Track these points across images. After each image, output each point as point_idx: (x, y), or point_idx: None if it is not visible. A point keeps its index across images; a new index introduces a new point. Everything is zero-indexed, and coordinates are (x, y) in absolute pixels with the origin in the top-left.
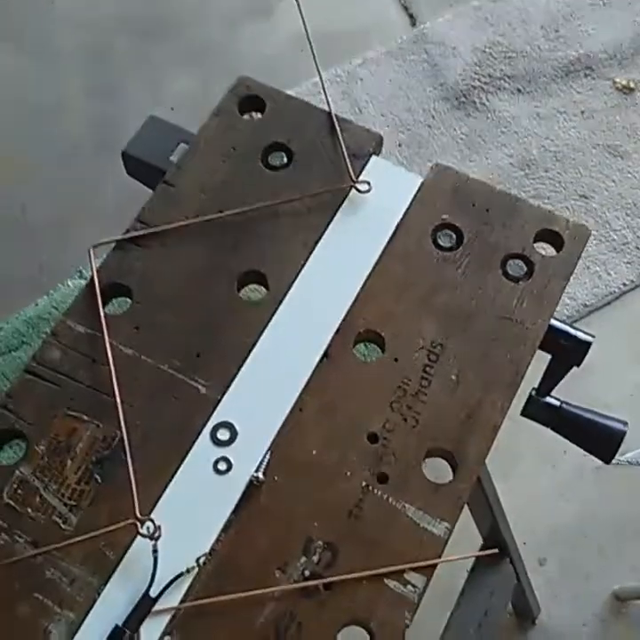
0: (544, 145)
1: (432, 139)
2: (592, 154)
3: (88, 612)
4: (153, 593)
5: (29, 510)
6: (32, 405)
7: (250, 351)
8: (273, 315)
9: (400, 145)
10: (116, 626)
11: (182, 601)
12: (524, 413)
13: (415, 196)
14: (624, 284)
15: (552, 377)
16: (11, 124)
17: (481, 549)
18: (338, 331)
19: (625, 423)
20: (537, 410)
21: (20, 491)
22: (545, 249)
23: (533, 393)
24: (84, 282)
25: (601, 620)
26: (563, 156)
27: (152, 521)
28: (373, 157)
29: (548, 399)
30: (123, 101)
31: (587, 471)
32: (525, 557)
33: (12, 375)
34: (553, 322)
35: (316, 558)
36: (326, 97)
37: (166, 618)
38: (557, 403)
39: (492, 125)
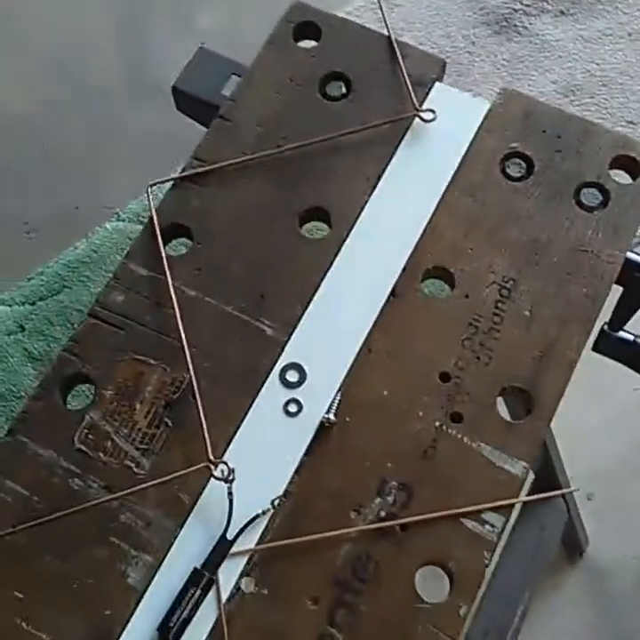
0: (589, 69)
1: (472, 66)
2: None
3: (165, 555)
4: (229, 535)
5: (101, 455)
6: (98, 350)
7: (315, 291)
8: (337, 253)
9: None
10: (195, 568)
11: (259, 543)
12: (596, 349)
13: (482, 123)
14: None
15: (625, 310)
16: (37, 62)
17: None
18: (405, 268)
19: None
20: (609, 345)
21: (90, 436)
22: (621, 176)
23: (605, 327)
24: (122, 224)
25: None
26: (609, 81)
27: (226, 463)
28: (437, 84)
29: (621, 333)
30: (150, 37)
31: (633, 405)
32: (574, 492)
33: (55, 319)
34: (628, 254)
35: (391, 499)
36: (385, 20)
37: (244, 560)
38: (631, 337)
39: (534, 50)
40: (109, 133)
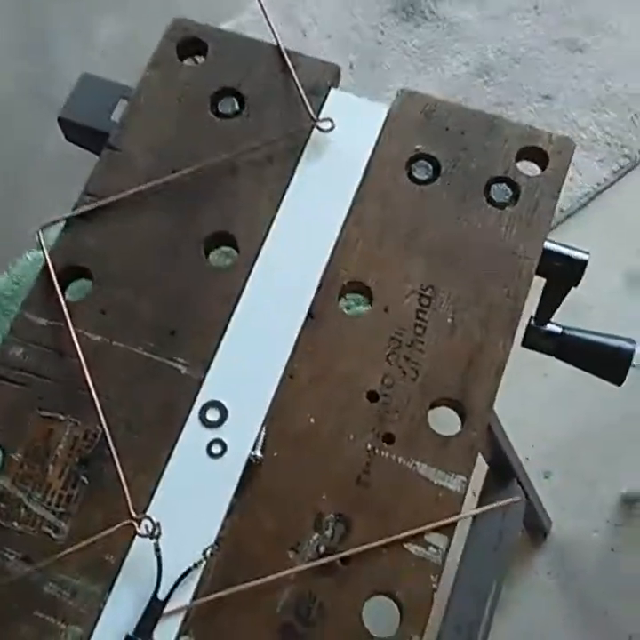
0: (500, 48)
1: (383, 56)
2: (551, 52)
3: (95, 624)
4: (161, 594)
5: (16, 524)
6: (1, 410)
7: (228, 321)
8: (247, 278)
9: (351, 66)
10: (127, 636)
11: (194, 598)
12: (525, 344)
13: (383, 127)
14: (598, 184)
15: (550, 302)
16: None
17: (488, 474)
18: (320, 286)
19: (632, 341)
20: (538, 339)
21: (2, 504)
22: (530, 168)
23: (532, 322)
24: (42, 254)
25: (613, 525)
26: (520, 58)
27: (150, 519)
28: (332, 91)
29: (549, 326)
30: (50, 53)
31: (581, 376)
32: (530, 473)
33: None
34: (545, 243)
35: (329, 533)
36: (272, 30)
37: (180, 618)
38: (559, 329)
39: (443, 34)
40: (20, 159)
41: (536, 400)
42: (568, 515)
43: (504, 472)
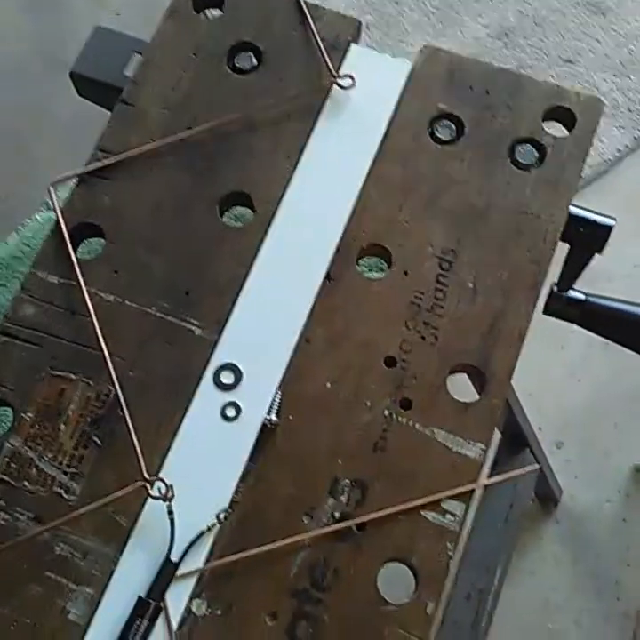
0: (521, 10)
1: (401, 16)
2: (573, 14)
3: (106, 585)
4: (174, 557)
5: (27, 484)
6: (12, 369)
7: (243, 282)
8: (263, 239)
9: (368, 27)
10: (139, 597)
11: (207, 561)
12: (547, 311)
13: (405, 85)
14: (618, 150)
15: (573, 268)
16: None
17: (501, 443)
18: (338, 249)
19: None
20: (561, 306)
21: (13, 464)
22: (556, 128)
23: (555, 288)
24: (53, 214)
25: (625, 495)
26: (542, 20)
27: (162, 480)
28: (353, 46)
29: (571, 293)
30: (63, 11)
31: (596, 348)
32: (542, 442)
33: None
34: (570, 208)
35: (344, 498)
36: None
37: (192, 581)
38: (582, 296)
39: None
40: (32, 118)
41: (551, 371)
42: (580, 485)
43: (517, 441)
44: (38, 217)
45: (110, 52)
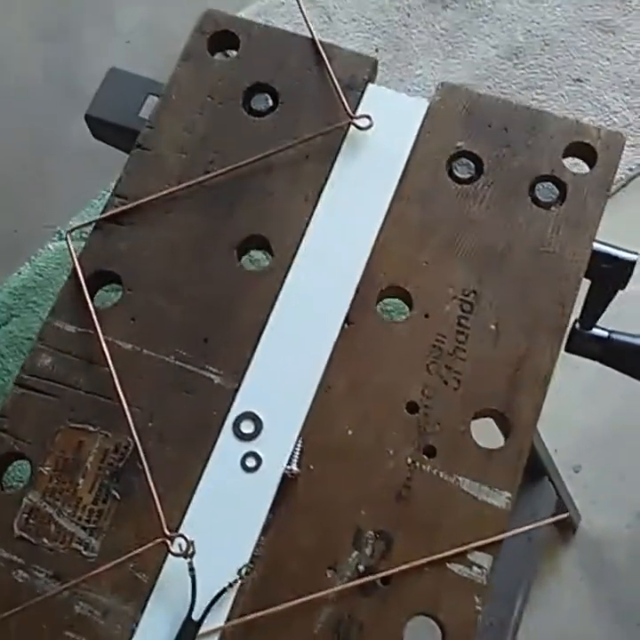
0: (530, 29)
1: (410, 39)
2: (582, 33)
3: None
4: (195, 615)
5: (45, 540)
6: (29, 422)
7: (262, 329)
8: (282, 283)
9: (377, 50)
10: None
11: (229, 618)
12: (569, 349)
13: (422, 123)
14: (630, 169)
15: (596, 305)
16: None
17: None
18: (357, 291)
19: None
20: (583, 344)
21: (31, 520)
22: (577, 165)
23: (577, 325)
24: (64, 244)
25: None
26: (551, 40)
27: (183, 537)
28: (370, 85)
29: (595, 330)
30: (74, 39)
31: (612, 370)
32: (559, 466)
33: (6, 351)
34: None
35: (368, 551)
36: (306, 21)
37: (214, 639)
38: (605, 333)
39: (472, 16)
40: (42, 148)
41: (566, 393)
42: (598, 509)
43: (535, 468)
44: (51, 246)
45: (125, 95)
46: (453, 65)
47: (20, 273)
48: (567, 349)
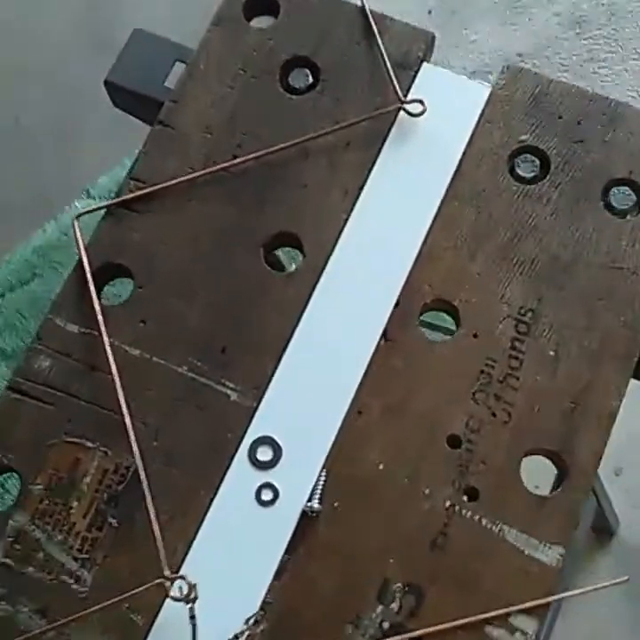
0: None
1: (466, 2)
2: None
3: None
4: None
5: (32, 569)
6: (21, 432)
7: (288, 339)
8: (313, 289)
9: (430, 12)
10: None
11: None
12: (638, 376)
13: (483, 112)
14: None
15: None
16: None
17: None
18: (397, 303)
19: None
20: None
21: (17, 545)
22: None
23: None
24: (93, 202)
25: None
26: (617, 10)
27: (184, 578)
28: (424, 65)
29: None
30: None
31: None
32: (600, 468)
33: (28, 311)
34: None
35: (395, 606)
36: None
37: None
38: None
39: None
40: (74, 103)
41: None
42: (639, 515)
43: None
44: (78, 204)
45: (150, 60)
46: (511, 32)
47: (44, 230)
48: (635, 376)
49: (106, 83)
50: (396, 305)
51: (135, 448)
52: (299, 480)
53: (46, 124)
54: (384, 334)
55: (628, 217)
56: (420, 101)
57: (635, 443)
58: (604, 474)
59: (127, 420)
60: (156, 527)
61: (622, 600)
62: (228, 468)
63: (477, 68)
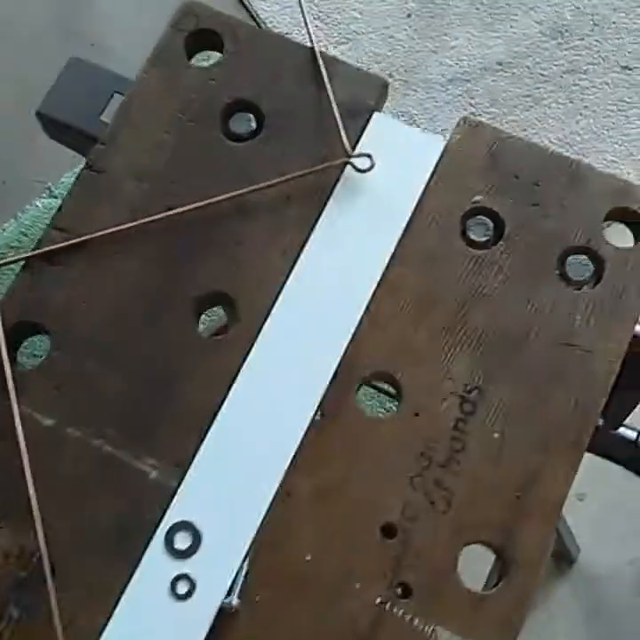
0: (579, 6)
1: (447, 5)
2: (636, 14)
3: None
4: None
5: None
6: None
7: (215, 413)
8: (246, 357)
9: (409, 15)
10: None
11: None
12: (591, 449)
13: (435, 168)
14: None
15: (626, 401)
16: None
17: None
18: (335, 375)
19: None
20: (608, 445)
21: None
22: (618, 233)
23: (600, 422)
24: (55, 201)
25: None
26: (601, 20)
27: None
28: (376, 115)
29: (622, 430)
30: None
31: None
32: None
33: None
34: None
35: None
36: (306, 21)
37: None
38: (633, 434)
39: None
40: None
41: None
42: (600, 543)
43: None
44: (39, 203)
45: (86, 92)
46: (492, 39)
47: (3, 230)
48: (588, 449)
49: (38, 113)
50: (334, 376)
51: (40, 531)
52: (218, 572)
53: (6, 117)
54: (319, 408)
55: (585, 288)
56: (369, 156)
57: (598, 468)
58: (567, 499)
59: (33, 498)
60: (57, 622)
61: (578, 632)
62: (142, 554)
63: (455, 76)
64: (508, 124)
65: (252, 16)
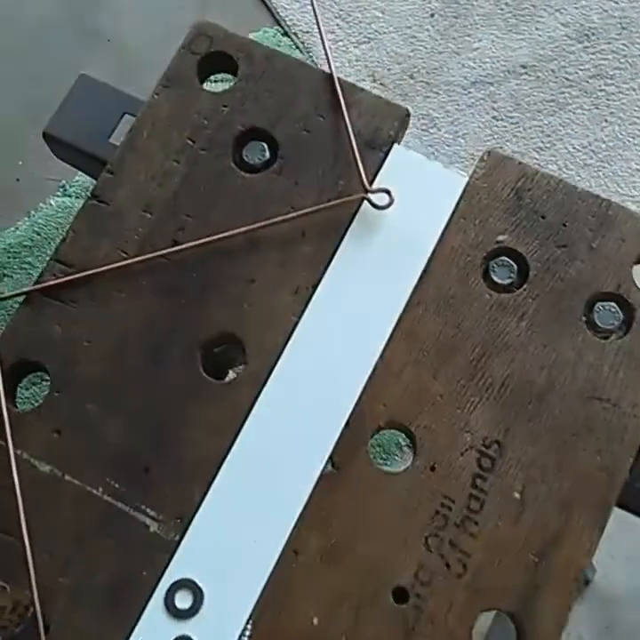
0: (607, 9)
1: (471, 5)
2: None
3: None
4: None
5: None
6: None
7: (221, 462)
8: (253, 404)
9: (433, 15)
10: None
11: None
12: (617, 503)
13: (457, 205)
14: None
15: None
16: None
17: None
18: (347, 424)
19: None
20: (632, 498)
21: None
22: None
23: (627, 476)
24: (68, 200)
25: None
26: (629, 23)
27: None
28: (396, 147)
29: None
30: None
31: None
32: None
33: None
34: None
35: None
36: (326, 47)
37: None
38: None
39: None
40: (52, 93)
41: None
42: (618, 564)
43: None
44: (52, 202)
45: (95, 112)
46: (516, 41)
47: (16, 228)
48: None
49: (44, 134)
50: (347, 425)
51: (33, 585)
52: (220, 634)
53: (22, 115)
54: (330, 459)
55: (613, 337)
56: (388, 192)
57: None
58: None
59: (28, 550)
60: None
61: None
62: (141, 613)
63: (477, 79)
64: (530, 130)
65: (272, 13)
